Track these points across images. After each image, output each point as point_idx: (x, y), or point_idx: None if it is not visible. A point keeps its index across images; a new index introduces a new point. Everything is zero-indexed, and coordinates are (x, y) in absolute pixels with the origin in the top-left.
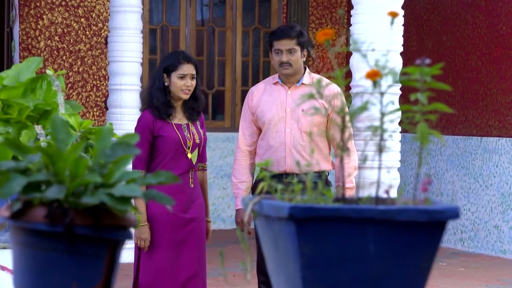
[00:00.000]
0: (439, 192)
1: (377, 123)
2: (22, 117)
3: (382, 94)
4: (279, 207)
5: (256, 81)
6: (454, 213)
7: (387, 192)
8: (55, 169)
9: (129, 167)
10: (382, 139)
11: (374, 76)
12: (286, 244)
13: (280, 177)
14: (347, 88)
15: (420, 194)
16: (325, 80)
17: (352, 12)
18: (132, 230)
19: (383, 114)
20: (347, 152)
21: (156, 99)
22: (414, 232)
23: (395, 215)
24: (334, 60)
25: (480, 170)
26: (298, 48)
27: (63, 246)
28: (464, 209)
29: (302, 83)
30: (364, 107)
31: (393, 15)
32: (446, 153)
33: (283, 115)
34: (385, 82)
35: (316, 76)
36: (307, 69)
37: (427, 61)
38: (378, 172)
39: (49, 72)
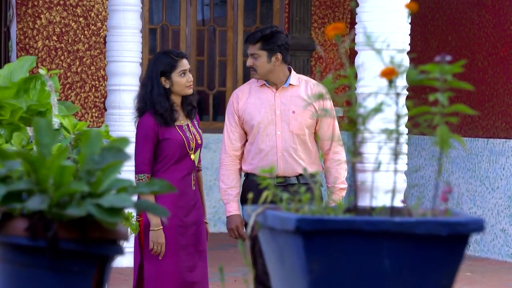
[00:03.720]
0: (433, 191)
1: (380, 125)
2: (14, 119)
3: (398, 94)
4: (285, 218)
5: None
6: (478, 226)
7: (403, 201)
8: (37, 177)
9: (122, 171)
10: (398, 142)
11: (390, 74)
12: (292, 259)
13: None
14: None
15: (433, 202)
16: (312, 81)
17: (357, 10)
18: (123, 244)
19: (398, 116)
20: (359, 157)
21: (159, 106)
22: (433, 246)
23: (412, 228)
24: (344, 58)
25: (487, 172)
26: (262, 53)
27: (46, 262)
28: (470, 212)
29: (290, 84)
30: (378, 109)
31: (411, 7)
32: (451, 155)
33: (272, 118)
34: (400, 81)
35: (303, 77)
36: (292, 70)
37: (448, 58)
38: (394, 178)
39: (42, 71)
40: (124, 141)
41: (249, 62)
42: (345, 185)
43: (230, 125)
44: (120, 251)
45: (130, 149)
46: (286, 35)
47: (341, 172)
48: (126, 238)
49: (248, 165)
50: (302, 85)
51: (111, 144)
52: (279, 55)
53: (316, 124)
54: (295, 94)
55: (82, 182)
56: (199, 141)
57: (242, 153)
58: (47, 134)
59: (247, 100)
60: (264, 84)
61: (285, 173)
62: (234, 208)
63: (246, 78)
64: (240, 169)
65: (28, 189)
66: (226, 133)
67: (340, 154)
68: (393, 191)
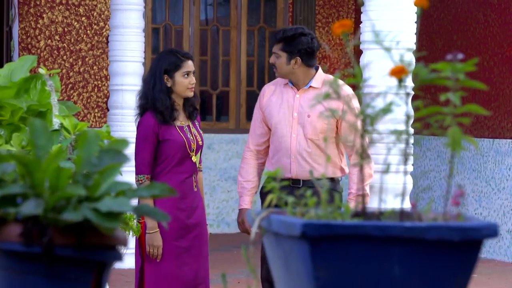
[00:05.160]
0: (449, 196)
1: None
2: (14, 119)
3: (407, 94)
4: (290, 223)
5: (261, 81)
6: (491, 231)
7: (413, 205)
8: (32, 181)
9: (125, 174)
10: (407, 144)
11: (400, 73)
12: (298, 266)
13: (287, 187)
14: (356, 89)
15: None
16: (338, 81)
17: (362, 9)
18: (121, 250)
19: (408, 117)
20: (367, 160)
21: (159, 103)
22: (445, 252)
23: (423, 233)
24: (352, 56)
25: (492, 173)
26: (282, 54)
27: (41, 269)
28: (475, 213)
29: (310, 86)
30: (387, 109)
31: (422, 4)
32: (450, 154)
33: (289, 120)
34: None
35: (329, 77)
36: (319, 70)
37: (460, 56)
38: (404, 179)
39: (42, 71)
40: (123, 142)
41: (271, 59)
42: (360, 192)
43: (256, 120)
44: (118, 257)
45: (130, 150)
46: (311, 37)
47: (364, 178)
48: (124, 243)
49: (269, 164)
50: (325, 87)
51: (110, 146)
52: (298, 59)
53: (338, 128)
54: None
55: (79, 185)
56: (200, 142)
57: (267, 148)
58: (42, 135)
59: (270, 98)
60: (288, 83)
61: (298, 176)
62: (245, 202)
63: (249, 78)
64: (262, 164)
65: (23, 193)
66: (251, 127)
67: None
68: (403, 194)
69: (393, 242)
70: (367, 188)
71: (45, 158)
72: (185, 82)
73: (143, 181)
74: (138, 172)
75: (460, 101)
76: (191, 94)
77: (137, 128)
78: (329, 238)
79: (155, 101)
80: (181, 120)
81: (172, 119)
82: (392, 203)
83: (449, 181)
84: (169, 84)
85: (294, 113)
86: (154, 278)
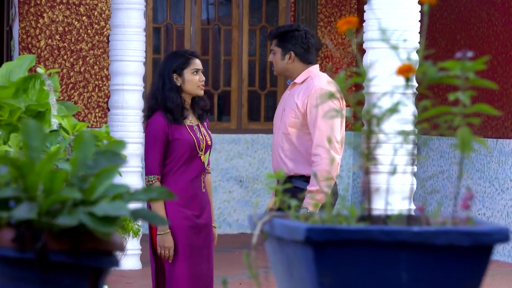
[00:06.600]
0: (453, 197)
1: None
2: (13, 119)
3: (415, 94)
4: (294, 228)
5: (263, 81)
6: (503, 235)
7: (421, 209)
8: (25, 183)
9: (128, 172)
10: (415, 144)
11: (407, 71)
12: (302, 271)
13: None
14: (358, 88)
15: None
16: (313, 80)
17: (366, 7)
18: (118, 255)
19: (416, 117)
20: (373, 161)
21: (170, 101)
22: (454, 258)
23: (432, 238)
24: (358, 54)
25: (496, 173)
26: (277, 49)
27: (35, 275)
28: (479, 214)
29: (294, 82)
30: (394, 109)
31: (428, 0)
32: (459, 155)
33: (278, 115)
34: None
35: (314, 76)
36: (311, 67)
37: (469, 54)
38: (411, 181)
39: (40, 70)
40: (121, 144)
41: (270, 57)
42: (313, 188)
43: None
44: (115, 263)
45: (129, 151)
46: (306, 33)
47: (314, 175)
48: (122, 248)
49: None
50: (304, 84)
51: (107, 147)
52: (292, 54)
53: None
54: (294, 92)
55: (74, 188)
56: (209, 142)
57: None
58: (36, 137)
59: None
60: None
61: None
62: (271, 201)
63: (251, 78)
64: None
65: (16, 196)
66: None
67: (317, 156)
68: (410, 197)
69: (401, 247)
70: (316, 184)
71: (39, 160)
72: (194, 79)
73: (153, 181)
74: (148, 172)
75: (469, 100)
76: (201, 92)
77: (146, 128)
78: (334, 243)
79: (165, 100)
80: (191, 120)
81: (183, 117)
82: (398, 204)
83: (458, 183)
84: (178, 83)
85: (280, 109)
86: (171, 278)
